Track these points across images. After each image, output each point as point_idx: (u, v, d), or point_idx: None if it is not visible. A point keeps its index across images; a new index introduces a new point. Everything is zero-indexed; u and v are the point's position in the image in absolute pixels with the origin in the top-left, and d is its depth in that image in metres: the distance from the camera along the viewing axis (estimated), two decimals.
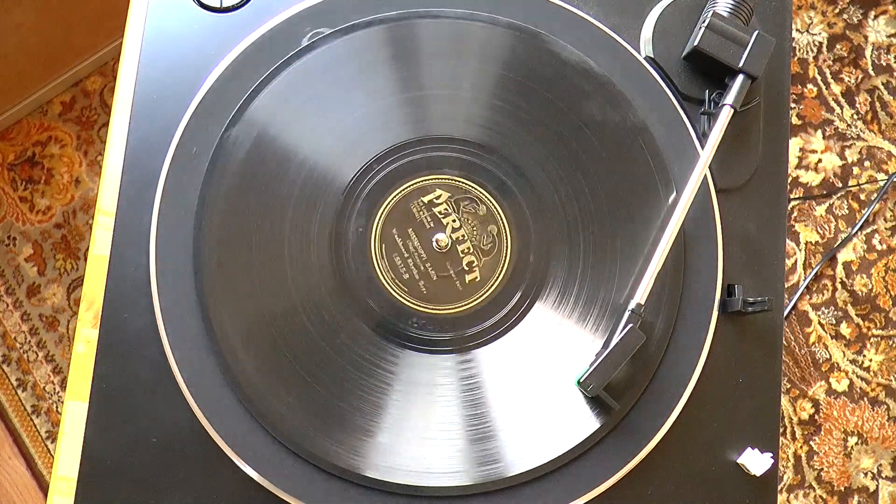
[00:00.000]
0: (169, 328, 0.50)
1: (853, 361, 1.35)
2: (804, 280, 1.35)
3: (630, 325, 0.49)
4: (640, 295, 0.50)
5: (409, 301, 0.52)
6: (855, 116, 1.40)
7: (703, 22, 0.54)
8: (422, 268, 0.52)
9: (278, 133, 0.52)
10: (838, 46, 1.43)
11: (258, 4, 0.55)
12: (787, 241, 1.36)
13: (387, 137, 0.53)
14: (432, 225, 0.53)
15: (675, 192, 0.53)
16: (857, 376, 1.34)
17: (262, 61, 0.53)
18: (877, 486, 1.33)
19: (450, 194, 0.53)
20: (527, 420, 0.50)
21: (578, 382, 0.49)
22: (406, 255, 0.52)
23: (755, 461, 0.51)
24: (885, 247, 1.37)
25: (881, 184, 1.38)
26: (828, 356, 1.35)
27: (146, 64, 0.53)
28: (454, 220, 0.53)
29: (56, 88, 1.36)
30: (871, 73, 1.42)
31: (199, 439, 0.50)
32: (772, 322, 0.54)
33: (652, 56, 0.55)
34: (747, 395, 0.53)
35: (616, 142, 0.54)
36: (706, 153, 0.52)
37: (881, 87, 1.41)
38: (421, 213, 0.53)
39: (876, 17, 1.43)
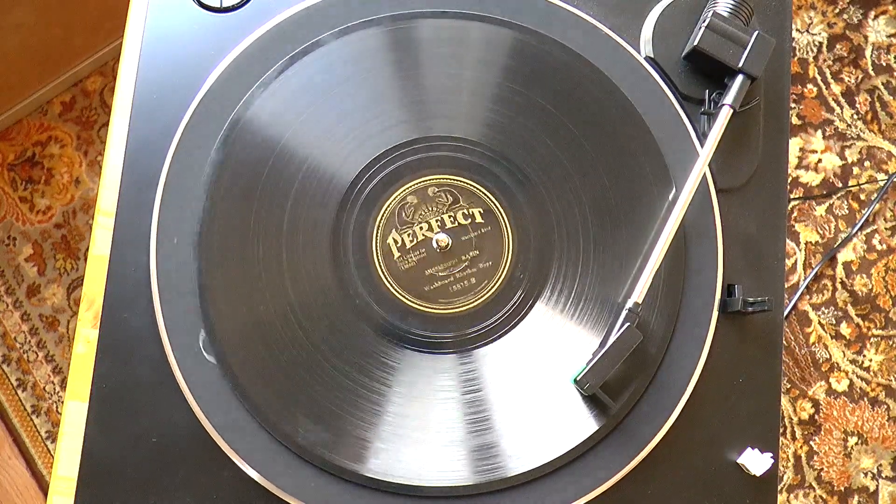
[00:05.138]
0: (169, 328, 0.50)
1: (853, 361, 1.35)
2: (804, 280, 1.35)
3: (627, 324, 0.49)
4: (638, 294, 0.50)
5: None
6: (855, 116, 1.40)
7: (703, 22, 0.54)
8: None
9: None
10: (838, 46, 1.43)
11: (258, 4, 0.55)
12: (787, 241, 1.36)
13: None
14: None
15: (674, 191, 0.53)
16: (857, 376, 1.34)
17: (263, 61, 0.53)
18: (877, 486, 1.33)
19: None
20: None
21: (575, 381, 0.49)
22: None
23: (755, 461, 0.51)
24: (885, 247, 1.37)
25: (881, 184, 1.38)
26: (828, 356, 1.35)
27: (146, 64, 0.53)
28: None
29: (56, 88, 1.36)
30: (871, 73, 1.42)
31: (199, 439, 0.50)
32: (772, 322, 0.54)
33: (652, 56, 0.55)
34: (747, 395, 0.53)
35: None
36: (705, 152, 0.52)
37: (881, 87, 1.41)
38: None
39: (876, 17, 1.43)
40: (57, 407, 1.33)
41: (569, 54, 0.54)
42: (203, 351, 0.48)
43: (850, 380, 1.34)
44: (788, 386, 1.34)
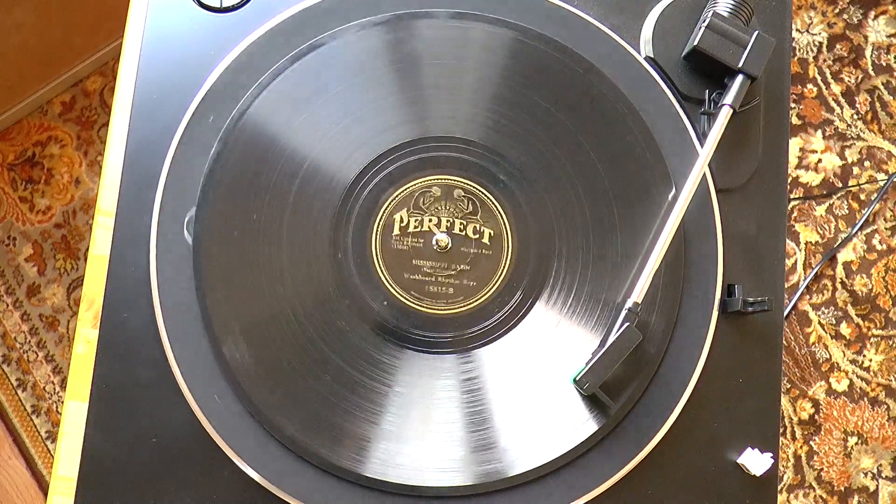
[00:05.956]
0: (169, 328, 0.50)
1: (853, 361, 1.35)
2: (804, 280, 1.35)
3: (627, 324, 0.49)
4: (637, 293, 0.50)
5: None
6: (855, 116, 1.40)
7: (703, 22, 0.54)
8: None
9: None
10: (838, 46, 1.43)
11: (258, 4, 0.55)
12: (787, 241, 1.36)
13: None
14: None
15: (674, 191, 0.53)
16: (857, 376, 1.34)
17: (263, 61, 0.53)
18: (877, 486, 1.33)
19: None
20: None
21: (574, 381, 0.49)
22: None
23: (755, 461, 0.51)
24: (885, 247, 1.37)
25: (881, 184, 1.38)
26: (828, 356, 1.35)
27: (146, 64, 0.53)
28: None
29: (56, 88, 1.36)
30: (871, 73, 1.42)
31: (199, 439, 0.50)
32: (772, 322, 0.54)
33: (652, 56, 0.55)
34: (747, 395, 0.53)
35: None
36: (705, 152, 0.52)
37: (881, 87, 1.41)
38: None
39: (876, 17, 1.43)
40: (57, 407, 1.33)
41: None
42: (185, 230, 0.48)
43: (850, 380, 1.34)
44: (788, 386, 1.34)
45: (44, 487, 1.31)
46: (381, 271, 0.52)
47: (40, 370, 1.34)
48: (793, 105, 1.41)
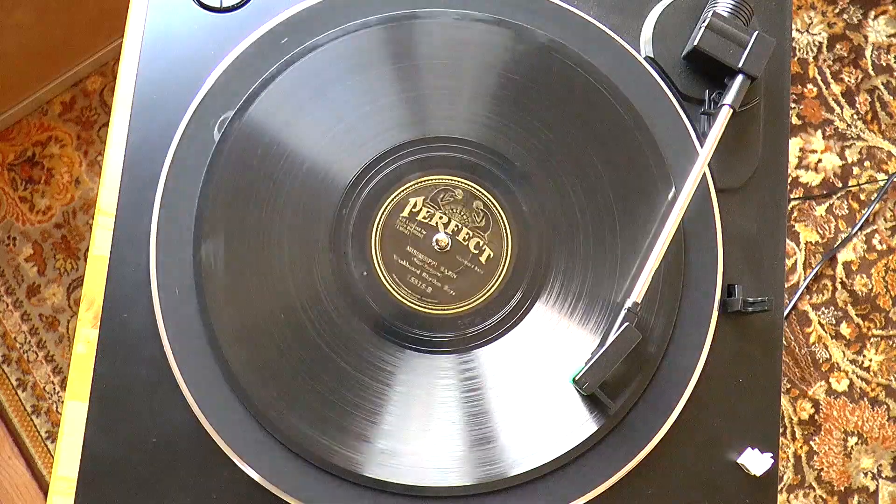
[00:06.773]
0: (169, 328, 0.50)
1: (853, 361, 1.35)
2: (804, 280, 1.35)
3: (626, 324, 0.49)
4: (637, 293, 0.50)
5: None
6: (855, 116, 1.40)
7: (703, 22, 0.54)
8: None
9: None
10: (838, 46, 1.43)
11: (258, 4, 0.55)
12: (787, 241, 1.36)
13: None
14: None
15: (674, 191, 0.53)
16: (857, 376, 1.34)
17: (263, 61, 0.53)
18: (877, 486, 1.33)
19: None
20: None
21: (573, 380, 0.50)
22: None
23: (755, 461, 0.51)
24: (885, 247, 1.37)
25: (881, 184, 1.38)
26: (828, 356, 1.35)
27: (146, 64, 0.53)
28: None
29: (56, 88, 1.36)
30: (871, 73, 1.42)
31: (199, 439, 0.50)
32: (772, 322, 0.54)
33: (652, 56, 0.55)
34: (747, 395, 0.53)
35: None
36: (705, 152, 0.52)
37: (881, 87, 1.41)
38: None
39: (876, 17, 1.43)
40: (57, 407, 1.33)
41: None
42: (216, 130, 0.48)
43: (850, 380, 1.34)
44: (788, 386, 1.34)
45: (44, 487, 1.31)
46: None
47: (40, 370, 1.34)
48: (793, 105, 1.41)
